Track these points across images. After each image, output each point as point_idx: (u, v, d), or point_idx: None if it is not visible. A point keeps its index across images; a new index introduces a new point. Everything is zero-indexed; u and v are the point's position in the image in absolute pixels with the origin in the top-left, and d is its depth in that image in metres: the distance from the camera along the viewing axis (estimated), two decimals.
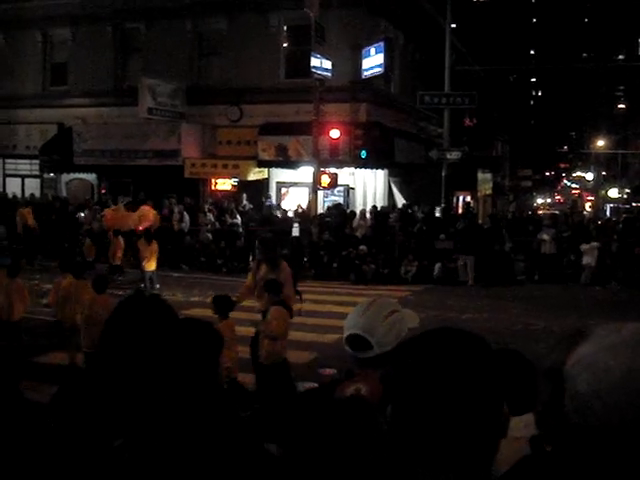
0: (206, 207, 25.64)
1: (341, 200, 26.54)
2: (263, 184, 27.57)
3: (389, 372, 1.74)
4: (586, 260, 21.34)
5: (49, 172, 30.78)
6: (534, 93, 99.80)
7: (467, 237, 21.98)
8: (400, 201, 28.49)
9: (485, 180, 40.11)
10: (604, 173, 74.56)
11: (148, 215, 22.19)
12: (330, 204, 25.91)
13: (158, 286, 18.92)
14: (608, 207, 56.64)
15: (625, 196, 63.49)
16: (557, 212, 35.39)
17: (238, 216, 25.06)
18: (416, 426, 1.59)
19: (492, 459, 1.64)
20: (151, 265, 18.89)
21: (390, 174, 28.84)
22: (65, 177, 31.04)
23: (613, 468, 1.68)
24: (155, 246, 19.19)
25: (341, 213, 24.77)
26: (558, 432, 2.09)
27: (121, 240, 21.18)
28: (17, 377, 2.49)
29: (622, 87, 78.12)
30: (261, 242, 11.21)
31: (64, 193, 30.59)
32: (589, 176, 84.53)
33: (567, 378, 1.80)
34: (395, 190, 29.60)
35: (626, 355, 1.74)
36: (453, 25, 31.42)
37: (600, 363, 1.75)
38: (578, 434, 1.77)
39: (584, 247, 21.42)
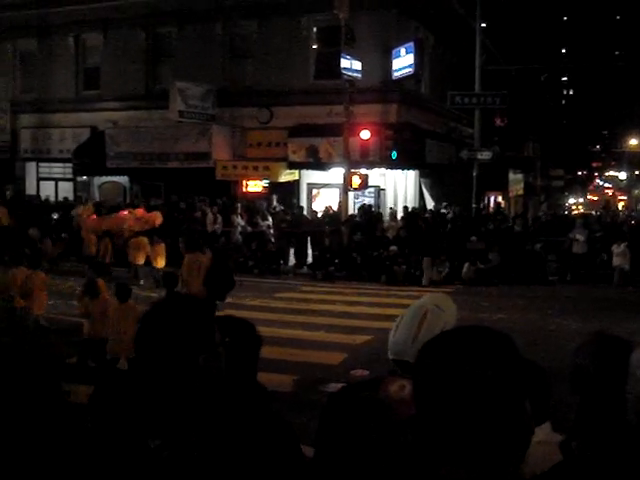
0: (238, 209, 25.73)
1: (372, 201, 26.53)
2: (294, 185, 27.63)
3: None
4: (617, 261, 21.10)
5: (82, 175, 31.11)
6: (565, 92, 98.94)
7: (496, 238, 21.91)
8: (431, 202, 28.42)
9: (516, 180, 39.85)
10: (637, 172, 73.71)
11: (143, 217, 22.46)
12: (361, 205, 25.92)
13: (142, 282, 19.41)
14: None
15: None
16: (592, 212, 35.02)
17: (269, 217, 25.14)
18: (437, 426, 1.59)
19: (518, 461, 1.63)
20: (159, 263, 19.80)
21: (421, 175, 28.78)
22: (98, 180, 31.35)
23: None
24: (160, 246, 20.00)
25: (367, 213, 24.77)
26: (607, 435, 2.09)
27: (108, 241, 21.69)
28: (58, 378, 2.54)
29: None
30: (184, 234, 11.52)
31: (97, 196, 30.87)
32: (622, 175, 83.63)
33: (632, 378, 1.81)
34: (425, 191, 29.53)
35: None
36: (483, 25, 31.28)
37: None
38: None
39: (615, 248, 21.21)
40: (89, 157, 29.14)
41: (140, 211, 22.84)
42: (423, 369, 1.66)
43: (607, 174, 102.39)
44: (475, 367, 1.58)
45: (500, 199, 34.27)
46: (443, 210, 26.36)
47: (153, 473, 2.01)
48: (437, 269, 21.61)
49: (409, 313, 3.07)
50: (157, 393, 2.09)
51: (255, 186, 28.27)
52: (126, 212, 22.96)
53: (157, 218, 22.22)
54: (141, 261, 20.43)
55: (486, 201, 33.72)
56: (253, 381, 3.11)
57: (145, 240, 20.50)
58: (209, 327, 2.23)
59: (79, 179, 31.58)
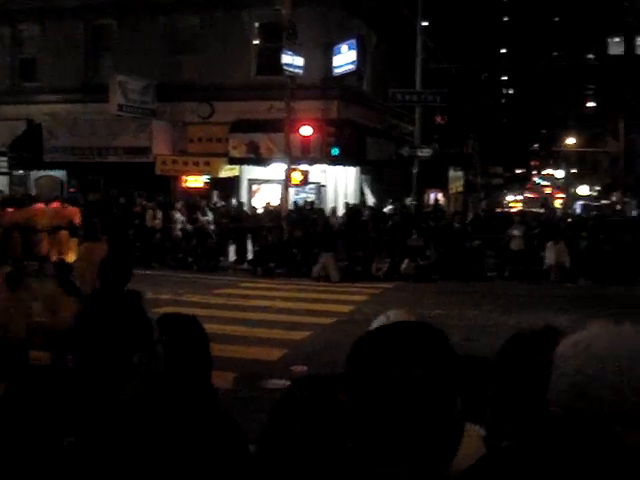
0: (177, 205, 25.53)
1: (312, 197, 26.56)
2: (234, 181, 27.51)
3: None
4: (550, 258, 21.44)
5: (18, 169, 30.45)
6: (505, 91, 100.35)
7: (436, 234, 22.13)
8: (371, 198, 28.55)
9: (456, 177, 40.29)
10: (574, 171, 75.04)
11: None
12: (301, 201, 25.92)
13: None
14: (578, 204, 57.06)
15: (595, 194, 63.94)
16: (535, 209, 35.54)
17: (209, 213, 24.99)
18: (370, 423, 1.58)
19: (451, 458, 1.63)
20: (70, 258, 19.29)
21: (361, 171, 28.90)
22: (35, 174, 30.74)
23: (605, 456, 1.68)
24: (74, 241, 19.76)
25: (300, 210, 24.81)
26: (531, 424, 2.10)
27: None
28: None
29: (592, 86, 78.68)
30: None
31: (33, 190, 30.28)
32: (559, 174, 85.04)
33: (562, 364, 1.80)
34: (366, 187, 29.66)
35: (628, 341, 1.74)
36: (425, 23, 31.52)
37: (601, 346, 1.74)
38: (578, 419, 1.75)
39: (549, 245, 21.55)
40: (26, 150, 28.58)
41: (55, 205, 22.40)
42: (354, 366, 1.65)
43: (545, 172, 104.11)
44: (406, 363, 1.57)
45: (440, 196, 34.59)
46: (390, 207, 26.52)
47: (65, 469, 1.96)
48: (376, 266, 21.72)
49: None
50: (83, 390, 2.04)
51: (195, 181, 28.05)
52: (41, 205, 22.51)
53: (74, 214, 21.79)
54: (55, 256, 19.78)
55: (426, 198, 34.01)
56: (202, 380, 3.03)
57: (64, 234, 20.02)
58: (144, 325, 2.19)
59: (15, 173, 30.90)
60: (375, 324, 2.85)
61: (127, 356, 2.10)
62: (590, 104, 74.09)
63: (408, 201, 25.83)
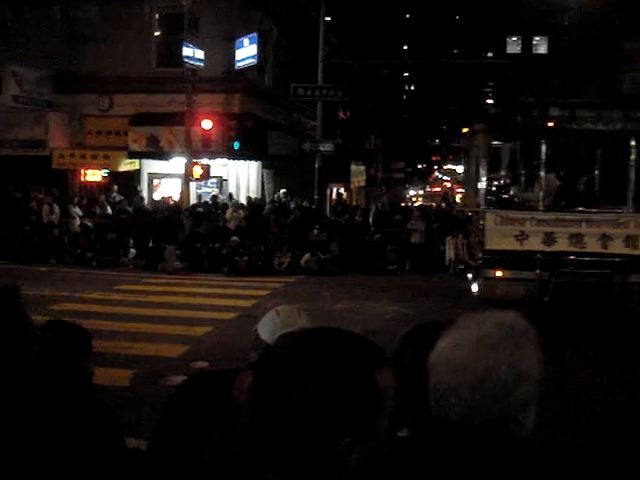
0: (75, 199, 24.98)
1: (214, 191, 26.40)
2: (134, 175, 27.09)
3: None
4: (448, 252, 21.88)
5: None
6: (407, 87, 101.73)
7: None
8: (273, 193, 28.56)
9: (358, 172, 40.68)
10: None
11: None
12: (206, 196, 25.77)
13: None
14: None
15: (494, 189, 65.37)
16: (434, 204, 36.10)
17: (109, 208, 24.55)
18: (267, 425, 1.57)
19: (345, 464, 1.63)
20: None
21: (263, 166, 28.88)
22: None
23: (467, 464, 1.71)
24: None
25: (213, 204, 24.66)
26: (416, 421, 2.14)
27: None
28: None
29: (491, 83, 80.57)
30: None
31: None
32: (459, 169, 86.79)
33: (430, 370, 1.83)
34: (268, 182, 29.65)
35: (485, 353, 1.77)
36: (327, 18, 31.65)
37: (458, 359, 1.78)
38: (439, 426, 1.80)
39: (449, 239, 21.97)
40: None
41: None
42: (261, 369, 1.65)
43: (445, 167, 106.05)
44: (308, 372, 1.55)
45: (342, 190, 34.84)
46: (289, 201, 26.58)
47: None
48: (278, 260, 21.78)
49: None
50: None
51: (94, 175, 27.47)
52: None
53: None
54: None
55: (329, 193, 34.23)
56: (81, 378, 2.99)
57: None
58: (19, 323, 2.12)
59: None
60: (265, 320, 2.85)
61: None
62: (489, 101, 75.63)
63: (282, 194, 25.93)
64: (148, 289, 18.31)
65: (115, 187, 26.07)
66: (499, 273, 13.03)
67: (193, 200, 25.21)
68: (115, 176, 26.68)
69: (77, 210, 24.23)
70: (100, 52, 26.85)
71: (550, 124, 13.30)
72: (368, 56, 45.56)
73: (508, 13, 55.14)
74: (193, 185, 25.29)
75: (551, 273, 12.76)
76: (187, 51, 23.51)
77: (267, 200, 27.12)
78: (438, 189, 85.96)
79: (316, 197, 27.76)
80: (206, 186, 26.51)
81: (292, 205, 25.42)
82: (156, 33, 27.20)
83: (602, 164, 15.98)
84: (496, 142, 15.19)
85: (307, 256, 21.73)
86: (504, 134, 14.73)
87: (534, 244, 12.83)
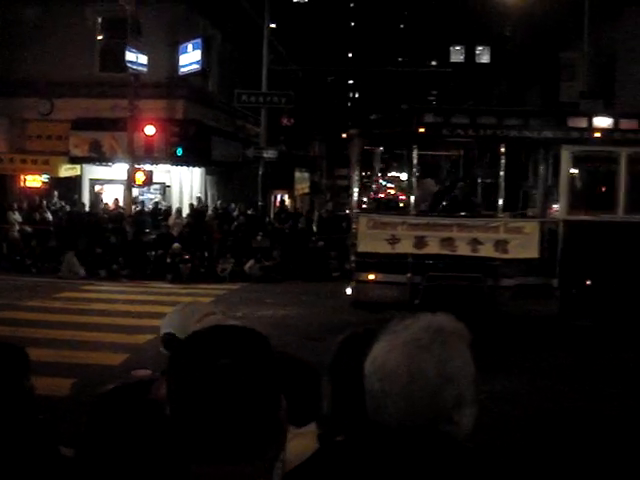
0: (15, 205, 24.55)
1: (157, 198, 26.21)
2: (76, 181, 26.73)
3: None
4: None
5: None
6: (351, 95, 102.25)
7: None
8: (216, 199, 28.47)
9: (302, 179, 40.72)
10: (417, 173, 77.28)
11: None
12: (149, 202, 25.58)
13: None
14: None
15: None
16: None
17: (49, 214, 24.17)
18: (186, 422, 1.57)
19: (273, 453, 1.63)
20: None
21: (207, 172, 28.76)
22: None
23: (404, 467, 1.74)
24: None
25: (157, 211, 24.47)
26: (350, 428, 2.15)
27: None
28: None
29: (435, 91, 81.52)
30: None
31: None
32: (403, 176, 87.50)
33: (365, 377, 1.87)
34: (211, 188, 29.54)
35: (413, 356, 1.81)
36: (272, 25, 31.69)
37: (389, 364, 1.81)
38: (372, 430, 1.82)
39: None
40: None
41: None
42: (172, 367, 1.65)
43: (389, 175, 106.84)
44: (219, 365, 1.57)
45: (286, 197, 34.88)
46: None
47: None
48: (221, 266, 21.70)
49: (197, 305, 3.09)
50: None
51: (34, 181, 27.04)
52: None
53: None
54: None
55: (272, 199, 34.21)
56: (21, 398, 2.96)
57: None
58: None
59: None
60: (173, 314, 2.96)
61: None
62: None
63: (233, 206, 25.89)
64: (89, 297, 18.07)
65: (56, 193, 25.71)
66: (372, 276, 13.24)
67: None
68: (56, 181, 26.31)
69: (17, 216, 23.81)
70: (41, 56, 26.42)
71: (421, 130, 13.48)
72: (313, 63, 45.75)
73: (451, 23, 55.96)
74: (136, 191, 25.03)
75: (422, 276, 12.99)
76: (130, 56, 23.28)
77: (210, 206, 26.99)
78: (382, 196, 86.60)
79: (260, 204, 27.74)
80: (149, 192, 26.29)
81: (235, 212, 25.35)
82: (99, 37, 26.92)
83: (480, 170, 16.35)
84: (368, 147, 15.32)
85: (251, 263, 21.70)
86: (377, 139, 14.92)
87: (405, 247, 13.02)
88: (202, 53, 25.40)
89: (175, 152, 24.62)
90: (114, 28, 26.13)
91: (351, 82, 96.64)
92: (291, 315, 15.96)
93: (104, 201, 25.51)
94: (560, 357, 11.96)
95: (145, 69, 23.97)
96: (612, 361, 11.72)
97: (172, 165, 25.87)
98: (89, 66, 26.54)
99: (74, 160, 25.88)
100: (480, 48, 43.55)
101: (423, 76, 66.27)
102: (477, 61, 45.10)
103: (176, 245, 21.67)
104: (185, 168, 26.85)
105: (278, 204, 32.87)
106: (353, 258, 13.66)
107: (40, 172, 26.47)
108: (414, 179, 14.17)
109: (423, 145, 14.29)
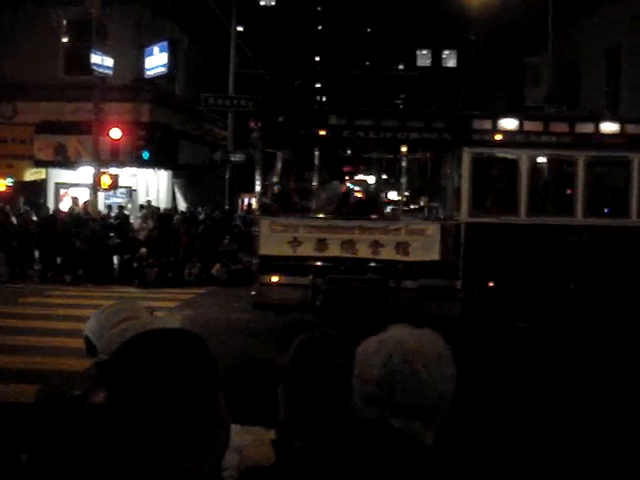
0: None
1: (123, 202, 26.03)
2: (41, 185, 26.47)
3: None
4: None
5: None
6: (319, 98, 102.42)
7: None
8: (183, 203, 28.34)
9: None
10: (385, 177, 77.73)
11: None
12: (115, 206, 25.37)
13: None
14: None
15: (405, 199, 66.48)
16: None
17: (14, 219, 23.88)
18: (128, 421, 1.61)
19: (216, 452, 1.68)
20: None
21: (174, 176, 28.62)
22: None
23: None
24: None
25: (122, 215, 24.26)
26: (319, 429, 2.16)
27: None
28: None
29: (402, 95, 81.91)
30: None
31: None
32: (370, 179, 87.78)
33: (368, 358, 1.95)
34: (178, 192, 29.41)
35: (435, 340, 1.97)
36: (239, 28, 31.65)
37: (411, 343, 1.93)
38: (333, 434, 1.83)
39: None
40: None
41: None
42: (114, 369, 1.70)
43: (357, 178, 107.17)
44: (155, 367, 1.63)
45: (254, 201, 34.79)
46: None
47: None
48: (188, 270, 21.60)
49: (118, 308, 3.07)
50: None
51: None
52: None
53: None
54: None
55: (240, 202, 34.13)
56: None
57: None
58: None
59: None
60: (92, 317, 2.94)
61: None
62: None
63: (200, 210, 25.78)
64: (55, 302, 17.86)
65: (21, 197, 25.43)
66: (275, 278, 13.27)
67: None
68: (20, 186, 26.03)
69: None
70: (4, 58, 26.15)
71: (322, 132, 13.54)
72: (280, 67, 45.71)
73: (418, 27, 56.25)
74: (102, 195, 24.85)
75: (323, 279, 13.06)
76: (95, 58, 23.12)
77: (178, 210, 26.86)
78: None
79: (227, 207, 27.66)
80: (115, 196, 26.10)
81: (202, 215, 25.26)
82: (64, 40, 26.68)
83: (390, 171, 16.59)
84: (271, 149, 15.34)
85: (218, 266, 21.62)
86: (278, 142, 14.96)
87: (307, 250, 13.05)
88: (169, 56, 25.31)
89: (141, 155, 24.51)
90: (79, 30, 25.95)
91: (318, 86, 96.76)
92: (255, 319, 15.87)
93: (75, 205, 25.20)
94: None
95: (111, 72, 23.81)
96: (516, 361, 11.98)
97: (138, 168, 25.72)
98: (54, 69, 26.32)
99: (39, 164, 25.69)
100: (446, 52, 43.84)
101: (390, 80, 66.58)
102: (444, 65, 45.44)
103: (142, 250, 21.54)
104: (152, 171, 26.71)
105: (245, 207, 32.80)
106: (256, 261, 13.71)
107: (4, 176, 26.17)
108: (315, 182, 14.14)
109: (326, 147, 14.33)
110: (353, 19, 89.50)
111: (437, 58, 45.25)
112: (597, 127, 13.48)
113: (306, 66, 68.48)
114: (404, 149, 13.80)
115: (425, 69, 46.60)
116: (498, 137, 13.47)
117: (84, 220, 23.02)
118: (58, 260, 22.31)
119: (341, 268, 13.07)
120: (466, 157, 13.43)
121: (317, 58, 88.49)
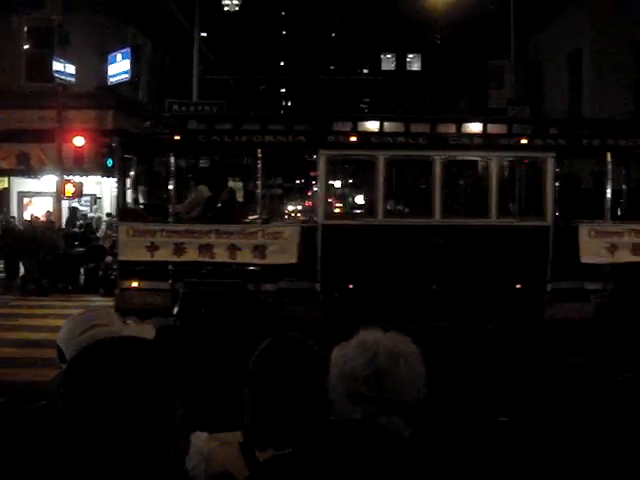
0: None
1: (87, 210, 25.83)
2: (3, 194, 26.17)
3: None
4: None
5: None
6: (284, 103, 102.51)
7: None
8: None
9: (236, 188, 40.49)
10: (351, 181, 77.94)
11: None
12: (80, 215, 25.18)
13: None
14: None
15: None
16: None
17: None
18: (85, 428, 1.65)
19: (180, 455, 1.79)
20: None
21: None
22: None
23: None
24: None
25: (87, 224, 24.09)
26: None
27: None
28: None
29: (367, 99, 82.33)
30: None
31: None
32: (337, 184, 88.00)
33: (349, 360, 2.04)
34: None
35: (402, 342, 2.07)
36: (203, 34, 31.57)
37: (391, 344, 2.05)
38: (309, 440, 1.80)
39: None
40: None
41: None
42: (65, 378, 1.76)
43: (329, 183, 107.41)
44: (106, 375, 1.67)
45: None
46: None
47: None
48: None
49: (87, 316, 3.04)
50: None
51: None
52: None
53: None
54: None
55: None
56: None
57: None
58: None
59: None
60: (63, 326, 3.01)
61: None
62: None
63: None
64: (19, 312, 17.69)
65: None
66: (134, 284, 13.26)
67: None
68: None
69: None
70: None
71: (177, 137, 13.44)
72: (245, 72, 45.73)
73: (382, 31, 56.55)
74: (66, 203, 24.61)
75: (181, 283, 13.08)
76: (57, 66, 22.94)
77: None
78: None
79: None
80: (80, 204, 25.87)
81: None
82: (25, 47, 26.40)
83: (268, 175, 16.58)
84: (128, 155, 15.24)
85: None
86: (135, 148, 14.88)
87: (165, 255, 13.01)
88: (131, 62, 25.16)
89: (105, 163, 24.30)
90: (41, 37, 25.73)
91: (283, 91, 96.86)
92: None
93: (35, 214, 24.92)
94: None
95: (73, 79, 23.65)
96: None
97: (103, 176, 25.51)
98: (15, 76, 26.04)
99: (1, 173, 25.44)
100: (411, 56, 44.17)
101: (355, 84, 66.87)
102: (408, 69, 45.73)
103: (108, 258, 21.33)
104: (116, 179, 26.50)
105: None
106: (116, 266, 13.72)
107: None
108: (171, 186, 13.79)
109: (181, 152, 14.48)
110: (317, 24, 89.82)
111: (402, 62, 45.57)
112: (459, 128, 13.45)
113: (271, 71, 68.55)
114: (260, 153, 13.56)
115: (390, 73, 46.88)
116: (353, 138, 13.39)
117: (50, 229, 22.80)
118: (22, 270, 22.06)
119: (201, 272, 13.06)
120: (322, 159, 13.38)
121: (282, 63, 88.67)
